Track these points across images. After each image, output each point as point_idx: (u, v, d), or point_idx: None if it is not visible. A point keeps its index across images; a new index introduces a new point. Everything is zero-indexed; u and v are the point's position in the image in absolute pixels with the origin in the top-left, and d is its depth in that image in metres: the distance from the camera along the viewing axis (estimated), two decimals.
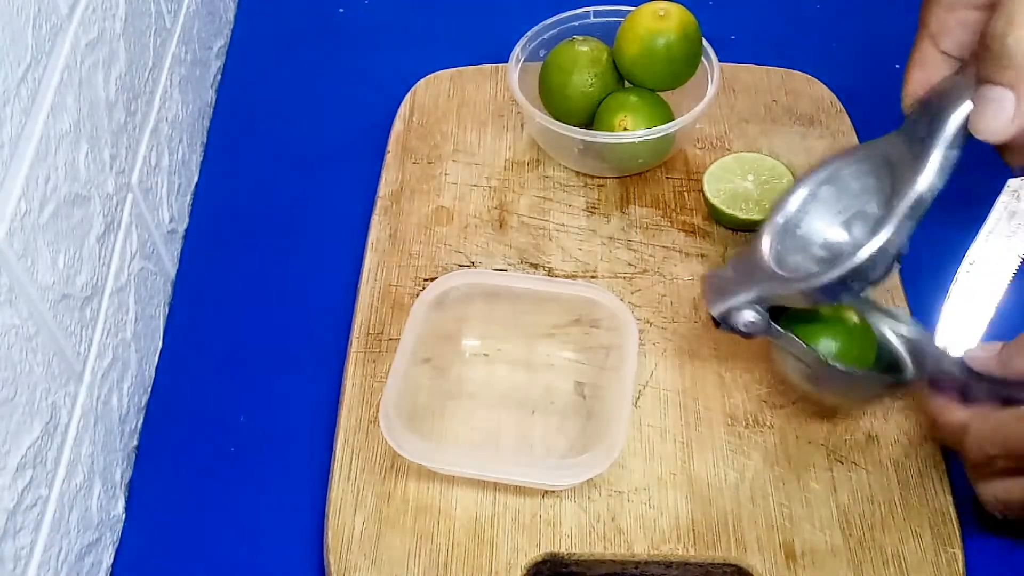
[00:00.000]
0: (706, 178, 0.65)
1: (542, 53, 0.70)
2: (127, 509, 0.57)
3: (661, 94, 0.67)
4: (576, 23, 0.71)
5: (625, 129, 0.65)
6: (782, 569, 0.51)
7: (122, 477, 0.58)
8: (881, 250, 0.48)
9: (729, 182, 0.65)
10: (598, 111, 0.67)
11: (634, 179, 0.68)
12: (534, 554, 0.52)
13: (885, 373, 0.53)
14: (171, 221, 0.68)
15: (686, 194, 0.67)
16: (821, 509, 0.53)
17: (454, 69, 0.75)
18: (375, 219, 0.67)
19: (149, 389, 0.62)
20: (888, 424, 0.56)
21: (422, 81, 0.75)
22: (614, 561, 0.52)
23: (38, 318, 0.48)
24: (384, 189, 0.68)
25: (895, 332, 0.54)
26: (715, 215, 0.65)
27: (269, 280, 0.66)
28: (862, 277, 0.49)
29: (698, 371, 0.59)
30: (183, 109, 0.72)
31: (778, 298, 0.51)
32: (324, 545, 0.53)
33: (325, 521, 0.54)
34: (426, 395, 0.58)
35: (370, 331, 0.61)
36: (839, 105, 0.71)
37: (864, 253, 0.48)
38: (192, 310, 0.66)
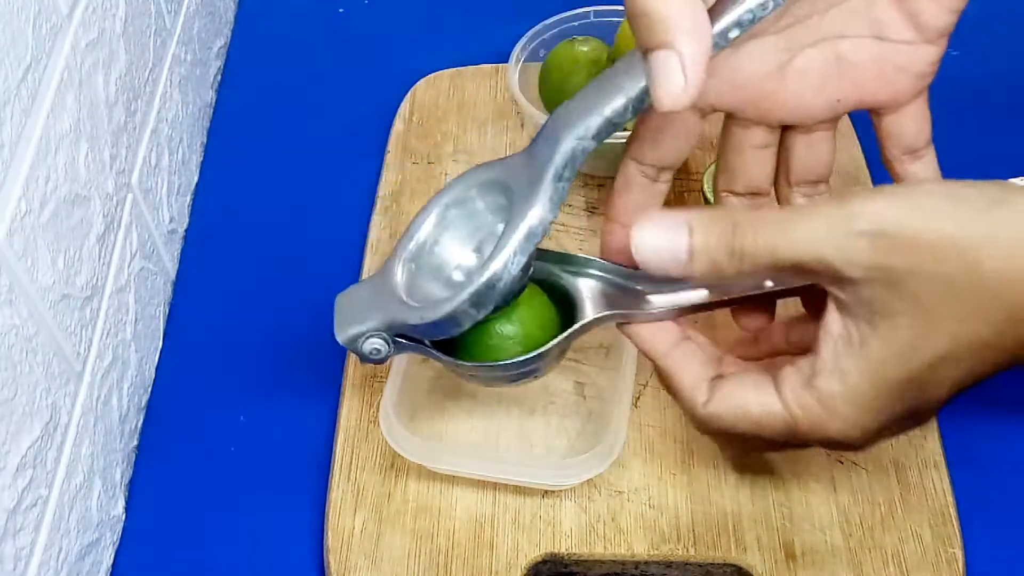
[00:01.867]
0: (706, 178, 0.65)
1: (542, 53, 0.70)
2: (127, 509, 0.57)
3: None
4: (576, 23, 0.71)
5: (625, 129, 0.65)
6: (782, 569, 0.51)
7: (122, 477, 0.58)
8: (489, 285, 0.46)
9: None
10: None
11: None
12: (534, 554, 0.52)
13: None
14: (171, 221, 0.68)
15: (686, 194, 0.67)
16: (821, 509, 0.53)
17: (454, 69, 0.75)
18: (375, 219, 0.67)
19: (149, 389, 0.62)
20: None
21: (422, 81, 0.75)
22: (614, 561, 0.52)
23: (38, 318, 0.48)
24: (384, 189, 0.68)
25: (580, 276, 0.52)
26: None
27: (269, 280, 0.66)
28: (477, 309, 0.47)
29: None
30: (183, 109, 0.72)
31: (403, 328, 0.49)
32: (324, 545, 0.53)
33: (325, 521, 0.54)
34: (425, 395, 0.58)
35: None
36: None
37: (466, 293, 0.47)
38: (192, 310, 0.66)
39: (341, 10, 0.83)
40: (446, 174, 0.69)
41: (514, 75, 0.68)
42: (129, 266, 0.60)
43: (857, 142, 0.69)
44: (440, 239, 0.51)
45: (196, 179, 0.73)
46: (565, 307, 0.52)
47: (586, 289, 0.51)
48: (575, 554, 0.52)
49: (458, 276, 0.51)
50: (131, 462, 0.59)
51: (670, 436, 0.56)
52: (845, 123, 0.70)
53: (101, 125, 0.57)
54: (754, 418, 0.45)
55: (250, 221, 0.70)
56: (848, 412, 0.43)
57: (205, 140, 0.76)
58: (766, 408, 0.45)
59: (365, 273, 0.64)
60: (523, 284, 0.49)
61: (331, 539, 0.53)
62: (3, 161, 0.46)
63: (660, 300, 0.50)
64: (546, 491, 0.54)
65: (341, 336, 0.50)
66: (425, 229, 0.51)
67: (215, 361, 0.63)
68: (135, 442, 0.60)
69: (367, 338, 0.50)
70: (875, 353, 0.42)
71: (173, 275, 0.68)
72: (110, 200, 0.58)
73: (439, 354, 0.50)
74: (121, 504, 0.57)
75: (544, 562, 0.52)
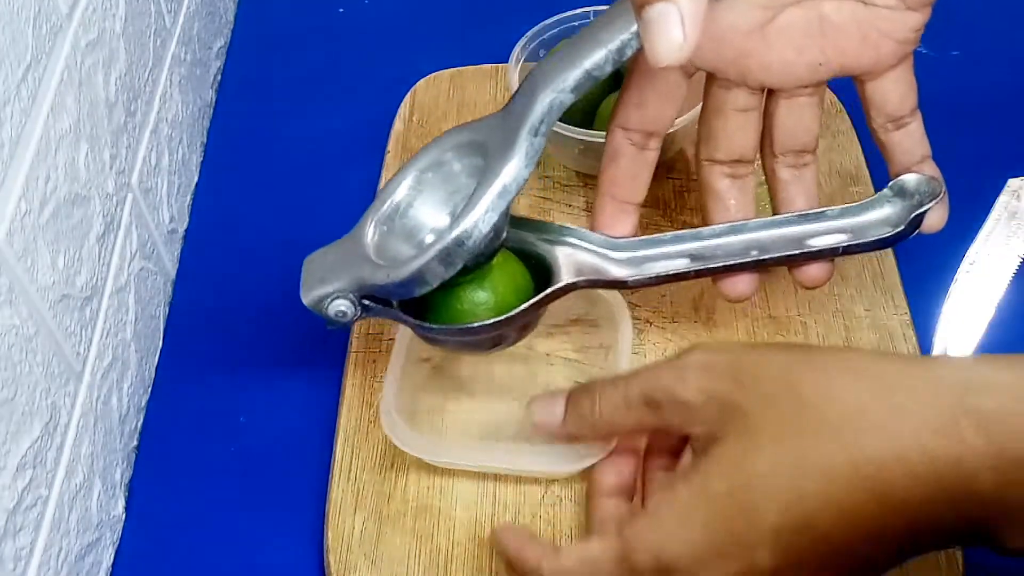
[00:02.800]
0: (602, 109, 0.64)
1: (542, 53, 0.70)
2: (127, 509, 0.57)
3: None
4: (576, 23, 0.71)
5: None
6: None
7: (122, 477, 0.58)
8: (458, 241, 0.46)
9: None
10: (598, 111, 0.67)
11: None
12: None
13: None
14: (171, 221, 0.68)
15: (686, 194, 0.67)
16: None
17: (454, 69, 0.75)
18: None
19: (149, 389, 0.62)
20: None
21: (422, 81, 0.75)
22: None
23: (38, 318, 0.48)
24: None
25: (556, 243, 0.52)
26: None
27: (269, 280, 0.66)
28: (445, 266, 0.46)
29: None
30: (183, 109, 0.72)
31: (370, 288, 0.48)
32: (324, 545, 0.53)
33: (325, 521, 0.54)
34: (425, 394, 0.58)
35: (370, 331, 0.61)
36: (839, 105, 0.71)
37: (435, 249, 0.46)
38: (192, 310, 0.66)
39: (341, 10, 0.83)
40: None
41: (514, 75, 0.68)
42: (129, 266, 0.61)
43: (857, 142, 0.68)
44: (415, 202, 0.51)
45: (196, 179, 0.73)
46: (541, 276, 0.51)
47: (563, 257, 0.51)
48: None
49: (431, 239, 0.50)
50: (131, 462, 0.59)
51: None
52: (845, 123, 0.70)
53: (101, 125, 0.57)
54: (583, 557, 0.44)
55: (250, 221, 0.70)
56: (671, 521, 0.41)
57: (205, 140, 0.76)
58: (595, 543, 0.44)
59: None
60: (496, 246, 0.49)
61: (331, 539, 0.53)
62: (3, 161, 0.46)
63: (639, 269, 0.51)
64: (545, 492, 0.54)
65: (306, 298, 0.49)
66: (400, 192, 0.51)
67: (215, 361, 0.63)
68: (135, 442, 0.60)
69: (332, 299, 0.49)
70: (702, 467, 0.42)
71: (173, 275, 0.68)
72: (110, 200, 0.58)
73: (407, 317, 0.49)
74: (121, 504, 0.57)
75: None
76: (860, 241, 0.51)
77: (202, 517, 0.56)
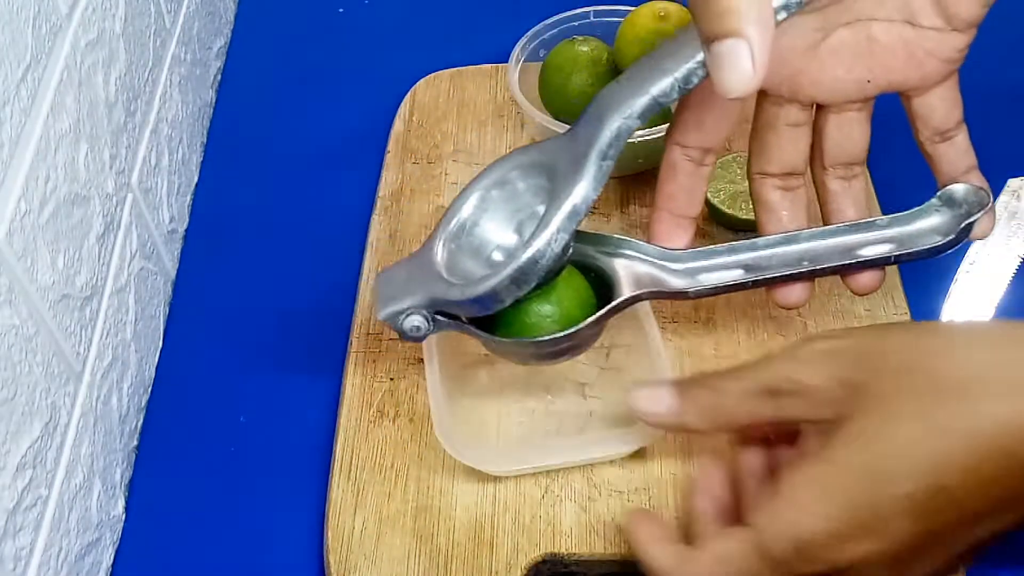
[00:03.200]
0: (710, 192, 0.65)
1: (542, 53, 0.70)
2: (127, 509, 0.57)
3: None
4: (576, 23, 0.71)
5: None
6: None
7: (122, 477, 0.58)
8: (532, 261, 0.48)
9: (729, 182, 0.65)
10: None
11: (634, 179, 0.68)
12: (534, 554, 0.52)
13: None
14: (171, 221, 0.68)
15: None
16: None
17: (454, 69, 0.75)
18: (375, 219, 0.67)
19: (149, 389, 0.62)
20: None
21: (422, 81, 0.75)
22: (614, 561, 0.52)
23: (38, 318, 0.48)
24: (384, 189, 0.68)
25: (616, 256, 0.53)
26: (715, 215, 0.65)
27: (269, 280, 0.66)
28: (518, 285, 0.48)
29: (698, 371, 0.58)
30: (183, 109, 0.72)
31: (444, 304, 0.50)
32: (324, 545, 0.53)
33: (325, 521, 0.54)
34: (463, 406, 0.58)
35: (370, 331, 0.61)
36: None
37: (512, 267, 0.48)
38: (192, 310, 0.66)
39: (341, 10, 0.83)
40: (446, 174, 0.69)
41: (514, 75, 0.68)
42: (129, 266, 0.61)
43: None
44: (480, 220, 0.52)
45: (196, 179, 0.73)
46: (601, 287, 0.53)
47: (622, 269, 0.53)
48: (575, 554, 0.52)
49: (498, 256, 0.52)
50: (131, 462, 0.59)
51: (670, 436, 0.56)
52: None
53: (101, 125, 0.57)
54: (718, 556, 0.44)
55: (250, 221, 0.70)
56: (808, 499, 0.42)
57: (205, 140, 0.76)
58: (725, 541, 0.44)
59: (365, 273, 0.64)
60: (563, 263, 0.50)
61: (331, 539, 0.53)
62: (3, 161, 0.46)
63: (695, 280, 0.52)
64: (545, 492, 0.54)
65: (382, 313, 0.51)
66: (466, 210, 0.52)
67: (215, 361, 0.63)
68: (135, 442, 0.60)
69: (408, 315, 0.51)
70: (835, 444, 0.42)
71: (173, 275, 0.68)
72: (110, 200, 0.58)
73: (478, 331, 0.51)
74: (121, 504, 0.57)
75: (544, 562, 0.52)
76: (910, 250, 0.52)
77: (202, 517, 0.56)
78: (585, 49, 0.67)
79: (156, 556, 0.55)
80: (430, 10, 0.83)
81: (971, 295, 0.61)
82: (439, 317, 0.51)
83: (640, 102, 0.47)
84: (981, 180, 0.53)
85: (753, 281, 0.52)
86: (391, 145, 0.71)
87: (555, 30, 0.70)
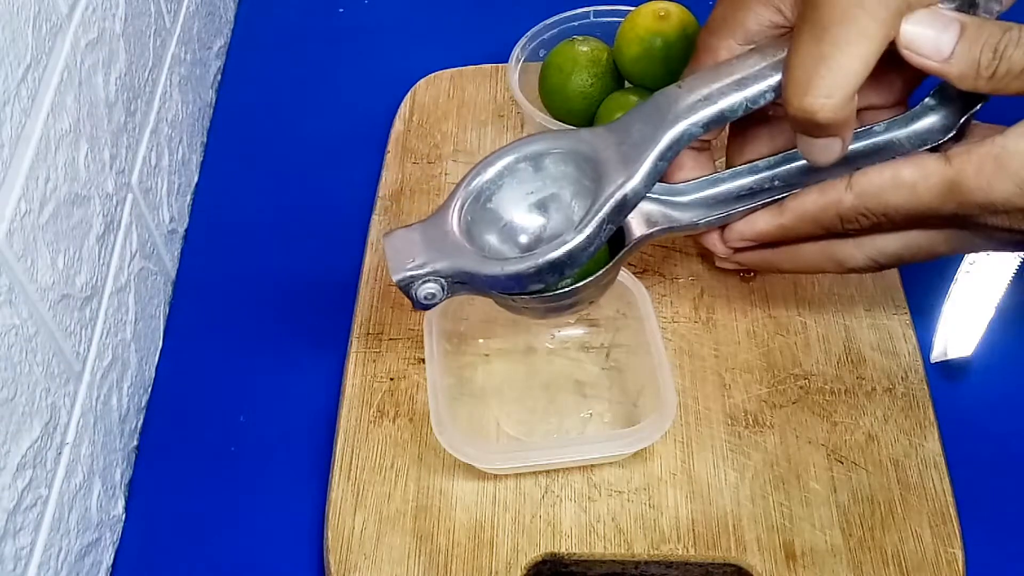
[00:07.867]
0: None
1: (542, 53, 0.70)
2: (127, 509, 0.57)
3: None
4: (576, 23, 0.71)
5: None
6: (782, 569, 0.51)
7: (122, 477, 0.58)
8: (579, 247, 0.48)
9: None
10: (598, 111, 0.67)
11: None
12: (534, 554, 0.52)
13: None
14: (171, 221, 0.68)
15: None
16: (821, 509, 0.53)
17: (454, 69, 0.75)
18: (375, 219, 0.67)
19: (149, 389, 0.62)
20: (888, 424, 0.56)
21: (422, 81, 0.75)
22: (614, 561, 0.52)
23: (38, 318, 0.48)
24: (384, 189, 0.68)
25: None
26: None
27: (269, 280, 0.66)
28: (557, 271, 0.48)
29: (698, 371, 0.59)
30: (183, 109, 0.72)
31: (464, 275, 0.49)
32: (324, 545, 0.53)
33: (325, 521, 0.54)
34: (464, 407, 0.58)
35: (370, 331, 0.61)
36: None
37: (563, 249, 0.48)
38: (192, 310, 0.66)
39: (341, 10, 0.83)
40: (446, 174, 0.69)
41: (514, 75, 0.68)
42: (129, 266, 0.61)
43: None
44: (499, 191, 0.52)
45: (196, 179, 0.73)
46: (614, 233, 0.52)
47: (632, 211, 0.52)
48: (575, 554, 0.52)
49: (506, 231, 0.51)
50: (131, 462, 0.59)
51: (670, 436, 0.56)
52: None
53: (101, 125, 0.57)
54: (907, 181, 0.45)
55: (250, 221, 0.70)
56: (1017, 161, 0.42)
57: (205, 140, 0.76)
58: (922, 168, 0.45)
59: (365, 273, 0.64)
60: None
61: (331, 539, 0.53)
62: (3, 161, 0.46)
63: (706, 211, 0.52)
64: (545, 492, 0.54)
65: (398, 276, 0.50)
66: (490, 172, 0.52)
67: (215, 361, 0.63)
68: (135, 442, 0.60)
69: (424, 281, 0.50)
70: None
71: (173, 275, 0.68)
72: (110, 200, 0.58)
73: (492, 291, 0.50)
74: (121, 504, 0.57)
75: (544, 562, 0.53)
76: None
77: (202, 517, 0.56)
78: (585, 49, 0.67)
79: (156, 556, 0.55)
80: (430, 10, 0.83)
81: (971, 295, 0.61)
82: (457, 284, 0.50)
83: (708, 112, 0.48)
84: None
85: (763, 203, 0.52)
86: (391, 145, 0.71)
87: (555, 30, 0.70)
